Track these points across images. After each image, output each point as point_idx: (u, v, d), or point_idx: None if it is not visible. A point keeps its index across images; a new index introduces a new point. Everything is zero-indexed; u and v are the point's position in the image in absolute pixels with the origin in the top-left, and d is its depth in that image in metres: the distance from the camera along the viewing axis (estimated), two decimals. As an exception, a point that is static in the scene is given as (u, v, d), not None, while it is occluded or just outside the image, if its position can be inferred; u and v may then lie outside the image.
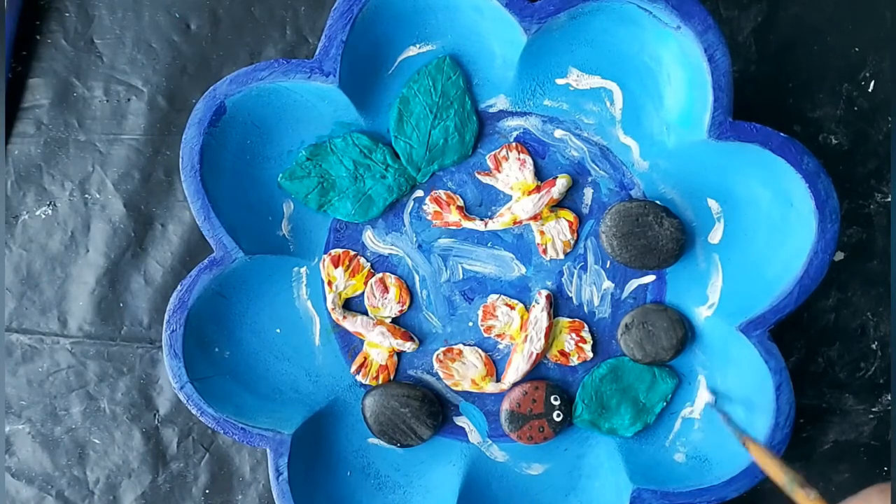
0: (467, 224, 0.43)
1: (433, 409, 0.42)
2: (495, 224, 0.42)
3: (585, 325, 0.43)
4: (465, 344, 0.43)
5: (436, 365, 0.43)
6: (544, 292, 0.43)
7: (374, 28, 0.39)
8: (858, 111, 0.44)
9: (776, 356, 0.39)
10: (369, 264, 0.43)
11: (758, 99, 0.43)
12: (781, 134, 0.37)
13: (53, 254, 0.45)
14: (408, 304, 0.43)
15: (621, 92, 0.41)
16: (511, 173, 0.42)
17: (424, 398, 0.42)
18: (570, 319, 0.43)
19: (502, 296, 0.43)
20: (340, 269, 0.43)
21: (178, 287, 0.40)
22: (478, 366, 0.43)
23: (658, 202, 0.41)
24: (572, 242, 0.43)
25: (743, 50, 0.43)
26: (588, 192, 0.43)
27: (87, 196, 0.45)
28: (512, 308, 0.43)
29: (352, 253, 0.43)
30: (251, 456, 0.45)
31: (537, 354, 0.42)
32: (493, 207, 0.43)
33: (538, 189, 0.42)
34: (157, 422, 0.45)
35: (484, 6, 0.39)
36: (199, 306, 0.40)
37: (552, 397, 0.42)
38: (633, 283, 0.43)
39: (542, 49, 0.40)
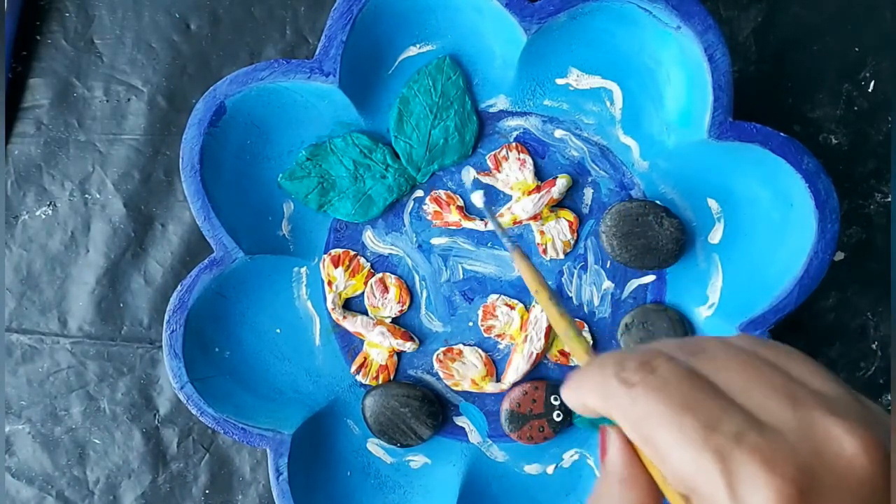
0: (467, 224, 0.43)
1: (433, 409, 0.42)
2: (495, 224, 0.42)
3: (585, 325, 0.43)
4: (465, 344, 0.43)
5: (436, 365, 0.43)
6: (544, 292, 0.43)
7: (374, 28, 0.39)
8: (858, 111, 0.44)
9: (776, 356, 0.39)
10: (369, 264, 0.43)
11: (758, 99, 0.43)
12: (781, 134, 0.37)
13: (53, 254, 0.45)
14: (408, 304, 0.43)
15: (621, 92, 0.41)
16: (511, 173, 0.42)
17: (424, 398, 0.42)
18: (570, 319, 0.43)
19: (502, 296, 0.43)
20: (340, 269, 0.43)
21: (178, 287, 0.40)
22: (478, 366, 0.43)
23: (658, 202, 0.41)
24: (572, 242, 0.43)
25: (743, 50, 0.43)
26: (588, 192, 0.43)
27: (87, 196, 0.45)
28: (512, 308, 0.43)
29: (352, 253, 0.43)
30: (251, 456, 0.45)
31: (537, 354, 0.42)
32: (493, 207, 0.43)
33: (538, 189, 0.42)
34: (157, 422, 0.45)
35: (484, 6, 0.39)
36: (199, 306, 0.40)
37: (552, 397, 0.42)
38: (633, 283, 0.43)
39: (542, 49, 0.40)
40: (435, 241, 0.43)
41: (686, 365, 0.20)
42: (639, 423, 0.20)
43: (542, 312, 0.42)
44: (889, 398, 0.44)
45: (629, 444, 0.22)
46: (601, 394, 0.21)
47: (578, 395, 0.23)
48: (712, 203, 0.42)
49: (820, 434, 0.18)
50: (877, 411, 0.20)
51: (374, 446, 0.43)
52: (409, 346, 0.43)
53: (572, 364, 0.43)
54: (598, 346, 0.43)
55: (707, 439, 0.19)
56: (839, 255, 0.44)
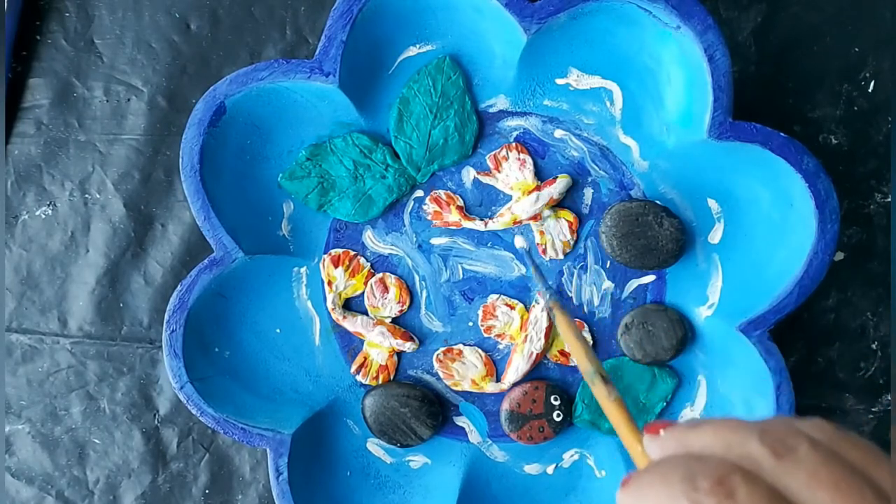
0: (467, 224, 0.43)
1: (433, 409, 0.42)
2: (495, 224, 0.42)
3: (585, 325, 0.43)
4: (465, 344, 0.43)
5: (436, 365, 0.43)
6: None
7: (374, 28, 0.39)
8: (858, 111, 0.44)
9: (776, 356, 0.39)
10: (369, 264, 0.43)
11: (758, 99, 0.43)
12: (781, 134, 0.37)
13: (53, 254, 0.45)
14: (408, 304, 0.43)
15: (621, 92, 0.41)
16: (511, 173, 0.42)
17: (424, 398, 0.42)
18: (570, 319, 0.43)
19: (502, 296, 0.43)
20: (340, 269, 0.43)
21: (178, 287, 0.40)
22: (478, 366, 0.43)
23: (658, 202, 0.41)
24: (572, 242, 0.43)
25: (743, 50, 0.43)
26: (588, 192, 0.43)
27: (87, 196, 0.45)
28: (512, 308, 0.43)
29: (352, 253, 0.43)
30: (251, 456, 0.45)
31: (537, 354, 0.42)
32: (493, 207, 0.43)
33: (538, 189, 0.42)
34: (157, 422, 0.45)
35: (484, 6, 0.39)
36: (199, 306, 0.40)
37: (552, 397, 0.42)
38: (633, 283, 0.43)
39: (542, 49, 0.40)
40: (435, 241, 0.43)
41: (768, 483, 0.18)
42: None
43: (542, 312, 0.42)
44: (889, 398, 0.44)
45: None
46: None
47: None
48: (712, 203, 0.42)
49: None
50: None
51: (374, 446, 0.43)
52: (409, 346, 0.43)
53: (572, 364, 0.43)
54: (598, 346, 0.43)
55: None
56: (839, 255, 0.44)
